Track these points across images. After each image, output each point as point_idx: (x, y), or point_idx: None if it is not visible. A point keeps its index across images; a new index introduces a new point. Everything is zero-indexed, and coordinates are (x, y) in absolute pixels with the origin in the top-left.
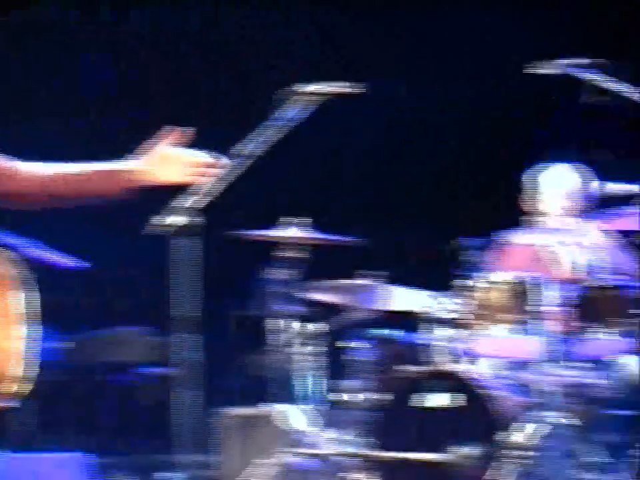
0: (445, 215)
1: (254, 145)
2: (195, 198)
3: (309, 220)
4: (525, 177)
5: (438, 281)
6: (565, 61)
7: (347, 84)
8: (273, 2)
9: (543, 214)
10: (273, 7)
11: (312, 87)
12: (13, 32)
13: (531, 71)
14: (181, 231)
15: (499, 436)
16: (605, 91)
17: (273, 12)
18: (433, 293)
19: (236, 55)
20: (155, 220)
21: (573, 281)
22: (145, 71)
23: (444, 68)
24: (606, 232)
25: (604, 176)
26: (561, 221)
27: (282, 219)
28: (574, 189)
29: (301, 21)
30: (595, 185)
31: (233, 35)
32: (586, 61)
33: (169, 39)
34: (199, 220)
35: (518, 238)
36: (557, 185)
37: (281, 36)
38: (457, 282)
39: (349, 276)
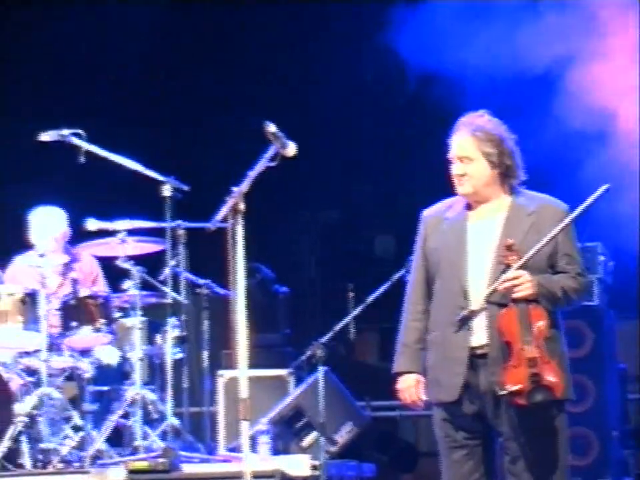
0: None
1: None
2: None
3: None
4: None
5: None
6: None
7: None
8: None
9: (36, 243)
10: None
11: None
12: None
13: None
14: None
15: (11, 406)
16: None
17: None
18: None
19: None
20: None
21: (69, 293)
22: None
23: None
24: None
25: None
26: (48, 249)
27: None
28: (55, 225)
29: None
30: (92, 221)
31: None
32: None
33: None
34: None
35: (20, 260)
36: (42, 222)
37: None
38: None
39: None
